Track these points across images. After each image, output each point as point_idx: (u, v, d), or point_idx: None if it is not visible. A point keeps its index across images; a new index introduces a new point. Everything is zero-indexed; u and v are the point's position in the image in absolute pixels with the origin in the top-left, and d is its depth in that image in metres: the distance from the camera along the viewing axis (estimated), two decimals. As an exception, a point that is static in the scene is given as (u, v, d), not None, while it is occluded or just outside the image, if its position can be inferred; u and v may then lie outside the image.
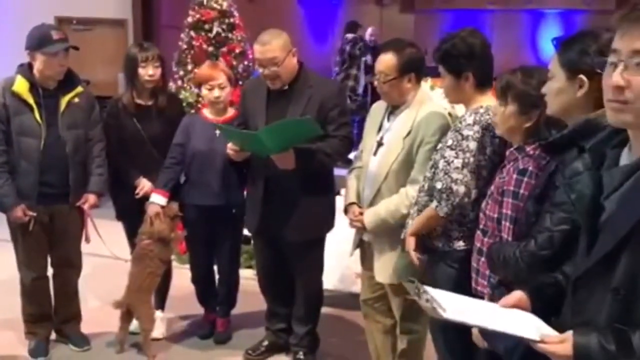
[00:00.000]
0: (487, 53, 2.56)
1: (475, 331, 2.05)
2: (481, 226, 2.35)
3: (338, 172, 3.42)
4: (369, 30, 9.49)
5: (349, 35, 8.76)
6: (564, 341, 1.37)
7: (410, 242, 2.64)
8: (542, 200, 1.93)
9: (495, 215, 2.23)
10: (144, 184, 3.63)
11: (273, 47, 3.11)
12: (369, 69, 8.52)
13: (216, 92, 3.49)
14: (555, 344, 1.39)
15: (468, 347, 2.38)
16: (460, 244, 2.53)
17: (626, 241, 1.28)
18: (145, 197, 3.57)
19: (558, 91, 1.90)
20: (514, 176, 2.15)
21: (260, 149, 3.13)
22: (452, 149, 2.48)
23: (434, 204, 2.52)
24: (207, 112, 3.61)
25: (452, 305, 1.71)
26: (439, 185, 2.49)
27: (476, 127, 2.45)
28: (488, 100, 2.51)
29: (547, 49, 10.15)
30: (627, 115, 1.29)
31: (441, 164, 2.50)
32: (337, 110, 3.20)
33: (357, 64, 8.79)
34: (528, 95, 2.16)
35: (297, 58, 3.24)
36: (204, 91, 3.55)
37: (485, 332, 1.95)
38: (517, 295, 1.71)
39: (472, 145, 2.45)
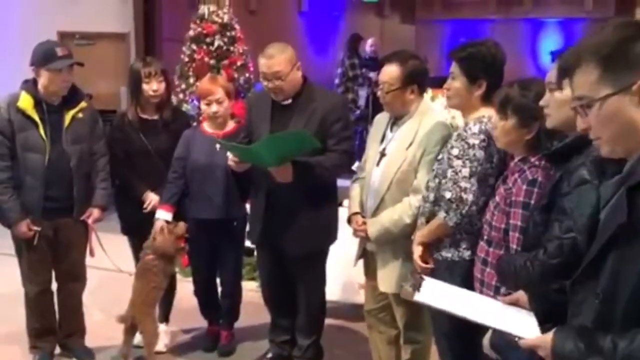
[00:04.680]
0: (502, 68, 2.57)
1: (485, 342, 2.07)
2: (485, 236, 2.35)
3: (341, 182, 3.43)
4: (369, 41, 9.54)
5: (347, 61, 8.83)
6: (545, 337, 1.47)
7: (417, 251, 2.65)
8: (549, 210, 1.93)
9: (503, 226, 2.23)
10: (151, 198, 3.64)
11: (278, 61, 3.13)
12: (370, 81, 8.58)
13: (214, 107, 3.51)
14: (537, 336, 1.53)
15: (474, 356, 2.38)
16: (468, 254, 2.52)
17: (610, 247, 1.34)
18: (153, 212, 3.58)
19: (563, 103, 1.88)
20: (524, 187, 2.15)
21: (258, 161, 3.15)
22: (459, 158, 2.49)
23: (442, 214, 2.52)
24: (206, 126, 3.63)
25: (437, 294, 1.81)
26: (448, 195, 2.50)
27: (482, 136, 2.47)
28: (488, 112, 2.52)
29: (547, 58, 10.20)
30: (603, 148, 1.37)
31: (449, 173, 2.51)
32: (339, 124, 3.20)
33: (358, 77, 8.85)
34: (527, 107, 2.17)
35: (301, 72, 3.26)
36: (203, 106, 3.58)
37: (496, 344, 1.98)
38: (518, 294, 1.81)
39: (479, 153, 2.46)
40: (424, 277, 1.99)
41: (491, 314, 1.73)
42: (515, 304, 1.79)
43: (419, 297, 1.83)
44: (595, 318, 1.36)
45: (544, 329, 1.57)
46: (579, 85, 1.35)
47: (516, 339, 1.58)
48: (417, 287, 1.86)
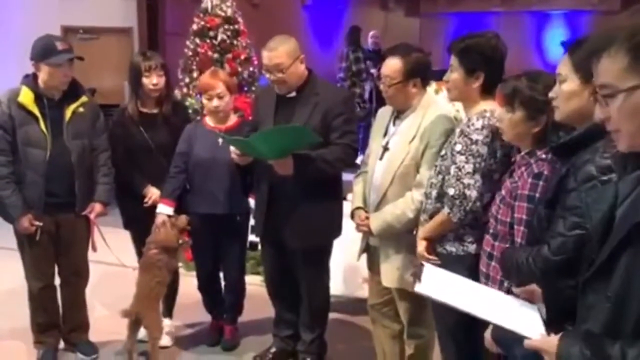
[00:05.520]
0: (503, 61, 2.55)
1: (487, 336, 2.06)
2: (491, 230, 2.33)
3: (345, 177, 3.42)
4: (370, 34, 9.49)
5: (351, 55, 8.79)
6: (551, 341, 1.41)
7: (421, 245, 2.63)
8: (554, 205, 1.91)
9: (508, 220, 2.21)
10: (152, 193, 3.64)
11: (279, 53, 3.13)
12: (372, 76, 8.55)
13: (215, 102, 3.51)
14: (542, 339, 1.46)
15: (476, 351, 2.37)
16: (474, 248, 2.51)
17: (623, 247, 1.28)
18: (154, 206, 3.58)
19: (570, 95, 1.86)
20: (529, 180, 2.13)
21: (259, 154, 3.16)
22: (462, 154, 2.47)
23: (446, 209, 2.50)
24: (209, 120, 3.63)
25: (439, 284, 1.80)
26: (451, 192, 2.48)
27: (485, 132, 2.44)
28: (489, 105, 2.50)
29: (553, 51, 10.16)
30: (622, 143, 1.30)
31: (452, 170, 2.49)
32: (342, 118, 3.19)
33: (362, 71, 8.81)
34: (535, 100, 2.14)
35: (304, 65, 3.25)
36: (204, 100, 3.58)
37: (498, 338, 1.97)
38: (533, 286, 1.77)
39: (483, 149, 2.44)
40: (424, 263, 1.98)
41: (494, 308, 1.71)
42: (529, 296, 1.77)
43: (420, 288, 1.82)
44: (605, 322, 1.31)
45: (551, 327, 1.54)
46: (604, 72, 1.26)
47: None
48: (417, 276, 1.84)
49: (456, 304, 1.73)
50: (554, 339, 1.39)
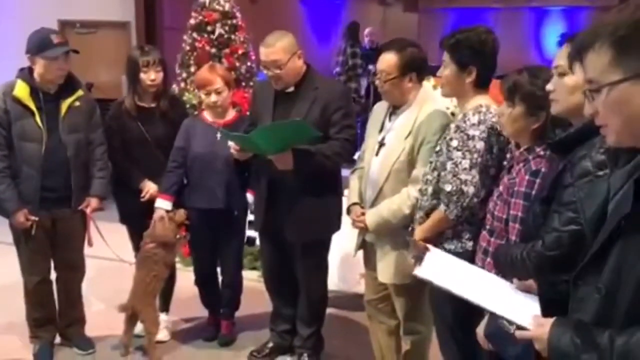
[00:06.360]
0: (495, 55, 2.54)
1: (480, 332, 2.06)
2: (488, 226, 2.32)
3: (344, 172, 3.42)
4: (367, 31, 9.46)
5: (349, 50, 8.75)
6: (543, 326, 1.42)
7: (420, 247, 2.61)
8: (549, 201, 1.90)
9: (504, 216, 2.21)
10: (149, 187, 3.64)
11: (276, 49, 3.13)
12: (369, 72, 8.53)
13: (213, 97, 3.50)
14: (534, 328, 1.46)
15: (476, 346, 2.37)
16: (472, 244, 2.49)
17: (614, 239, 1.29)
18: (151, 200, 3.58)
19: (573, 89, 1.83)
20: (526, 177, 2.12)
21: (258, 149, 3.16)
22: (458, 150, 2.46)
23: (443, 207, 2.50)
24: (207, 115, 3.62)
25: (439, 268, 1.80)
26: (448, 188, 2.47)
27: (482, 127, 2.43)
28: (484, 100, 2.49)
29: (551, 47, 10.15)
30: (609, 137, 1.30)
31: (449, 166, 2.48)
32: (340, 112, 3.19)
33: (357, 66, 8.79)
34: (535, 95, 2.12)
35: (302, 60, 3.24)
36: (202, 96, 3.57)
37: (491, 335, 1.96)
38: (529, 282, 1.80)
39: (479, 145, 2.43)
40: (430, 247, 1.97)
41: (493, 296, 1.70)
42: (528, 290, 1.78)
43: (420, 271, 1.82)
44: (595, 313, 1.31)
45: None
46: (590, 68, 1.26)
47: (512, 330, 1.55)
48: (419, 259, 1.84)
49: (454, 289, 1.72)
50: (546, 327, 1.40)
